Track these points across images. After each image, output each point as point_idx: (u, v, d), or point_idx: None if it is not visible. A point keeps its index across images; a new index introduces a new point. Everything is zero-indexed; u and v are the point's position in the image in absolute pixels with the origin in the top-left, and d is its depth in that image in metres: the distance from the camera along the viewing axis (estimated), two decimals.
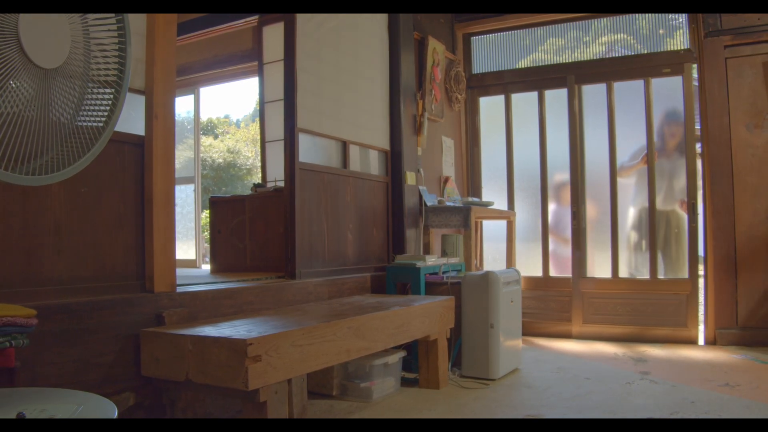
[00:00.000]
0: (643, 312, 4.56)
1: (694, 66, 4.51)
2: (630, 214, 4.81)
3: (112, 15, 1.29)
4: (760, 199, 4.18)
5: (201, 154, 7.71)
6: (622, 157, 4.84)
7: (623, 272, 4.74)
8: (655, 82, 4.70)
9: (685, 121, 4.57)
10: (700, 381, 3.30)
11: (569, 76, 5.00)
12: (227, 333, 2.17)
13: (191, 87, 6.17)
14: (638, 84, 4.76)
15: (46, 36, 1.20)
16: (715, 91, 4.29)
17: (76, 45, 1.21)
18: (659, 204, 4.65)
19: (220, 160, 19.49)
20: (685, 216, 4.54)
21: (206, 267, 6.50)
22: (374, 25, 4.17)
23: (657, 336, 4.48)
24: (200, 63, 5.96)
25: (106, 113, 1.36)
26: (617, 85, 4.85)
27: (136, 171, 2.46)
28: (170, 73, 2.53)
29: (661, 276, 4.61)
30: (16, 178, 1.12)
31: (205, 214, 11.41)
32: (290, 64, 3.37)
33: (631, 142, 4.81)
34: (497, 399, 3.05)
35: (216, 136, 20.99)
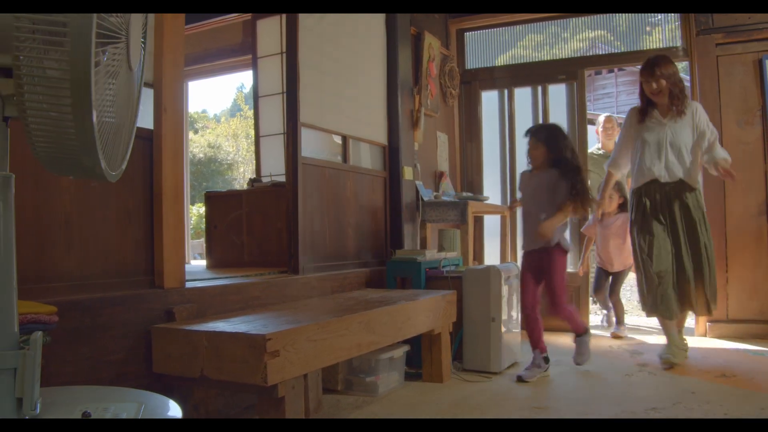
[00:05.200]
0: None
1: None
2: None
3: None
4: (750, 194, 4.26)
5: None
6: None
7: None
8: None
9: None
10: (697, 372, 3.36)
11: (566, 71, 5.04)
12: (243, 328, 2.16)
13: None
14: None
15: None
16: (707, 88, 4.37)
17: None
18: None
19: (201, 155, 19.31)
20: None
21: (195, 263, 6.44)
22: (372, 19, 4.16)
23: None
24: (189, 57, 5.89)
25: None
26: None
27: (145, 165, 2.43)
28: (178, 66, 2.51)
29: None
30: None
31: (194, 209, 11.25)
32: (292, 58, 3.35)
33: None
34: (501, 392, 3.08)
35: (196, 131, 20.78)
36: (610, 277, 4.64)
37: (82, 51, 0.88)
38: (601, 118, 5.39)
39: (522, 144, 5.25)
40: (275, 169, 4.73)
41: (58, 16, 0.87)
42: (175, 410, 1.05)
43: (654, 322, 4.61)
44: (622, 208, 4.47)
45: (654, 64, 3.55)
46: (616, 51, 5.67)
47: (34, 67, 0.88)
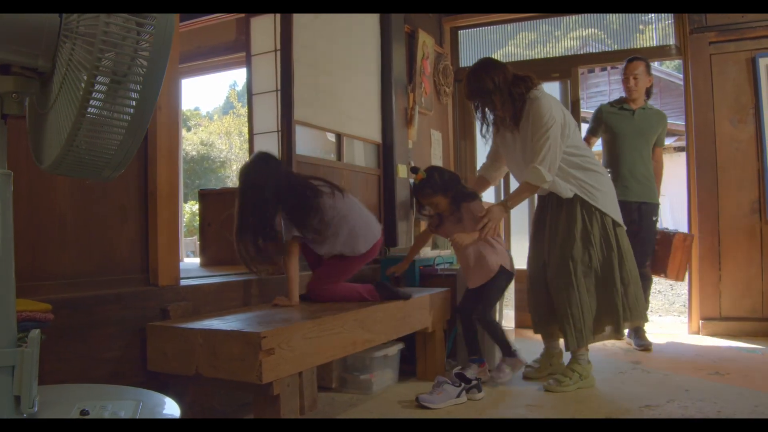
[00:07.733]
0: None
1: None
2: None
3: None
4: (743, 192, 4.29)
5: None
6: None
7: None
8: None
9: None
10: (691, 370, 3.38)
11: (560, 69, 5.06)
12: (238, 326, 2.15)
13: None
14: None
15: None
16: (700, 87, 4.39)
17: None
18: None
19: (194, 153, 19.24)
20: None
21: (188, 260, 6.42)
22: (367, 17, 4.16)
23: None
24: (182, 54, 5.85)
25: None
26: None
27: (140, 163, 2.42)
28: (174, 63, 2.49)
29: None
30: None
31: (186, 207, 11.20)
32: (287, 56, 3.34)
33: None
34: (496, 390, 3.08)
35: (189, 129, 20.68)
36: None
37: (161, 63, 0.87)
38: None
39: None
40: None
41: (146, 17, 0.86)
42: (172, 408, 1.04)
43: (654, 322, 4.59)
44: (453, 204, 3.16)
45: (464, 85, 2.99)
46: (608, 49, 5.69)
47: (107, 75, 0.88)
